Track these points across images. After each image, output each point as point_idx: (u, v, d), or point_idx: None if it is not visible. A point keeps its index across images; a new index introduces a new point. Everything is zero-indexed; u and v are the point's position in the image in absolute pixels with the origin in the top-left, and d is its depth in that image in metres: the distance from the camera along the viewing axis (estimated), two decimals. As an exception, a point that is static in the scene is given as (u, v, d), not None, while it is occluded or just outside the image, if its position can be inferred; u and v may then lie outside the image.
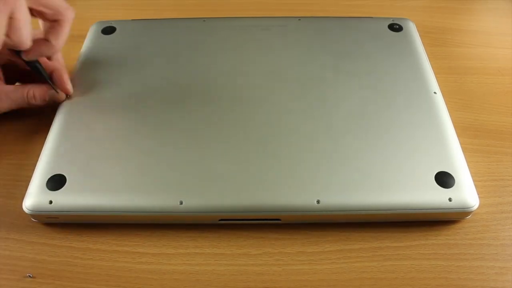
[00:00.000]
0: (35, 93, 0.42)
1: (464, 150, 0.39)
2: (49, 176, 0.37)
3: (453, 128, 0.40)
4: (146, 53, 0.47)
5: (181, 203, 0.35)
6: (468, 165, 0.38)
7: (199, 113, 0.41)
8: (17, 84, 0.44)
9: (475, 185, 0.37)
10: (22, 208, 0.36)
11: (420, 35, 0.50)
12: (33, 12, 0.37)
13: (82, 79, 0.45)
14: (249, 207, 0.36)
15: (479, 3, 0.61)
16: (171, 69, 0.46)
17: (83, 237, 0.37)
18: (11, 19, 0.34)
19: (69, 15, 0.39)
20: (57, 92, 0.42)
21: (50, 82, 0.42)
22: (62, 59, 0.44)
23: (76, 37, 0.53)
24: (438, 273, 0.35)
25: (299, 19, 0.51)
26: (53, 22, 0.39)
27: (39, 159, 0.38)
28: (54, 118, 0.41)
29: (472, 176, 0.37)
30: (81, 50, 0.48)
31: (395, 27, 0.50)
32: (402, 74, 0.45)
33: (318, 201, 0.35)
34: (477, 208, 0.36)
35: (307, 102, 0.42)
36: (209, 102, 0.42)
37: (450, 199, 0.35)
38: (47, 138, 0.40)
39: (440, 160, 0.37)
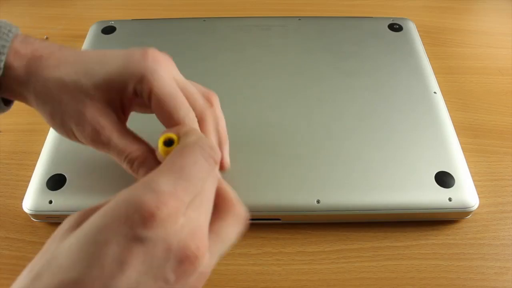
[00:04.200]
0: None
1: (464, 150, 0.39)
2: (49, 176, 0.37)
3: (453, 128, 0.40)
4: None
5: (181, 203, 0.35)
6: (468, 165, 0.38)
7: (199, 113, 0.41)
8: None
9: (475, 185, 0.37)
10: (22, 208, 0.36)
11: (420, 35, 0.50)
12: None
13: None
14: (249, 206, 0.35)
15: (479, 3, 0.61)
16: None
17: (83, 237, 0.37)
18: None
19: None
20: None
21: None
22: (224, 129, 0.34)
23: (76, 37, 0.54)
24: (438, 273, 0.35)
25: (299, 19, 0.51)
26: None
27: (39, 159, 0.38)
28: (54, 118, 0.41)
29: (472, 176, 0.37)
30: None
31: (395, 27, 0.50)
32: (402, 74, 0.45)
33: (318, 201, 0.35)
34: (477, 208, 0.36)
35: (307, 102, 0.42)
36: (209, 102, 0.42)
37: (450, 199, 0.35)
38: (47, 138, 0.40)
39: (440, 160, 0.37)
